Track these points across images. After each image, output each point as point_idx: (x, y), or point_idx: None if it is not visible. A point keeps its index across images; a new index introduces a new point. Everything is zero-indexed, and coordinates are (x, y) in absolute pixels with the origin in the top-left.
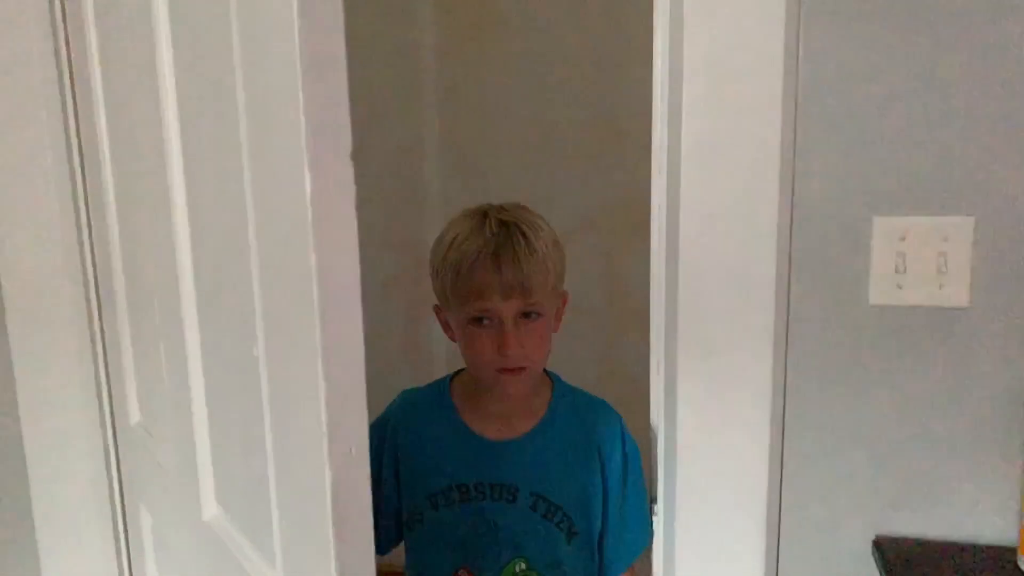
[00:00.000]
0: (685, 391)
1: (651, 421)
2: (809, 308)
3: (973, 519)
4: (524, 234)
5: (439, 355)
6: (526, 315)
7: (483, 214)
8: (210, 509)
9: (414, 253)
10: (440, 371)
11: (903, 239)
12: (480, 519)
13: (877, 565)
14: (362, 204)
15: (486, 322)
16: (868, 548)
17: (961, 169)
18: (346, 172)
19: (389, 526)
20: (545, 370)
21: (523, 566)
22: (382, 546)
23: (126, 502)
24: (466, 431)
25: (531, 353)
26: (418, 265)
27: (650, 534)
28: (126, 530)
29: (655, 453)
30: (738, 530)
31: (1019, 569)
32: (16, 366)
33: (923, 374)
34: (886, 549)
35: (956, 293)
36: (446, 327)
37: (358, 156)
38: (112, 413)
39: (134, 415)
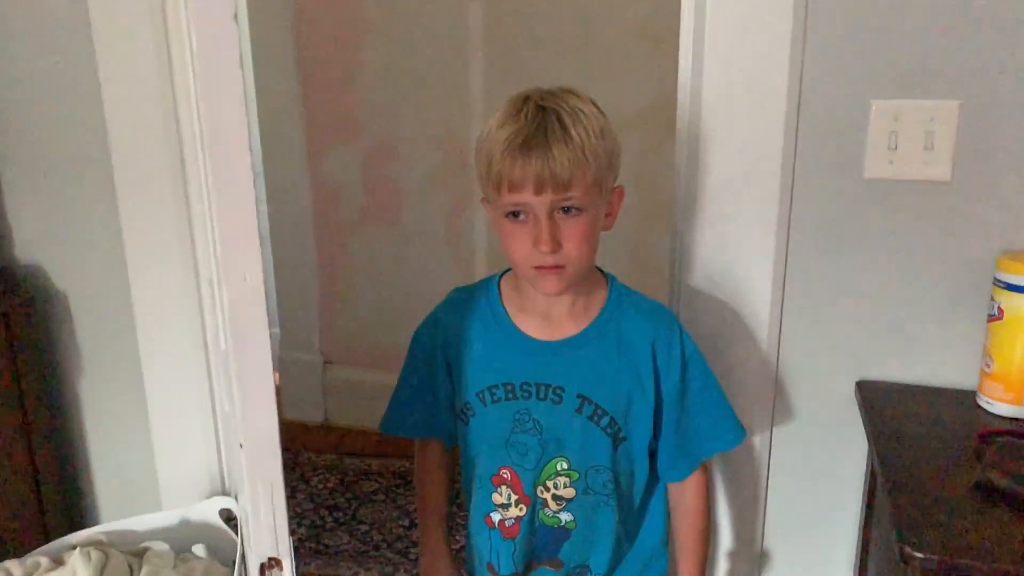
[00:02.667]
0: (699, 254)
1: (669, 284)
2: (811, 180)
3: (944, 368)
4: (561, 121)
5: (480, 247)
6: (565, 210)
7: (524, 99)
8: None
9: (456, 148)
10: (481, 263)
11: (896, 119)
12: (525, 417)
13: (858, 404)
14: (403, 100)
15: (521, 216)
16: (852, 391)
17: (950, 56)
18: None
19: (450, 421)
20: (602, 271)
21: (564, 465)
22: (448, 439)
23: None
24: (513, 330)
25: (570, 251)
26: (460, 159)
27: (732, 436)
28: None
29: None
30: (743, 375)
31: (977, 405)
32: (123, 221)
33: (908, 241)
34: (867, 391)
35: (939, 169)
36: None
37: (400, 53)
38: (196, 266)
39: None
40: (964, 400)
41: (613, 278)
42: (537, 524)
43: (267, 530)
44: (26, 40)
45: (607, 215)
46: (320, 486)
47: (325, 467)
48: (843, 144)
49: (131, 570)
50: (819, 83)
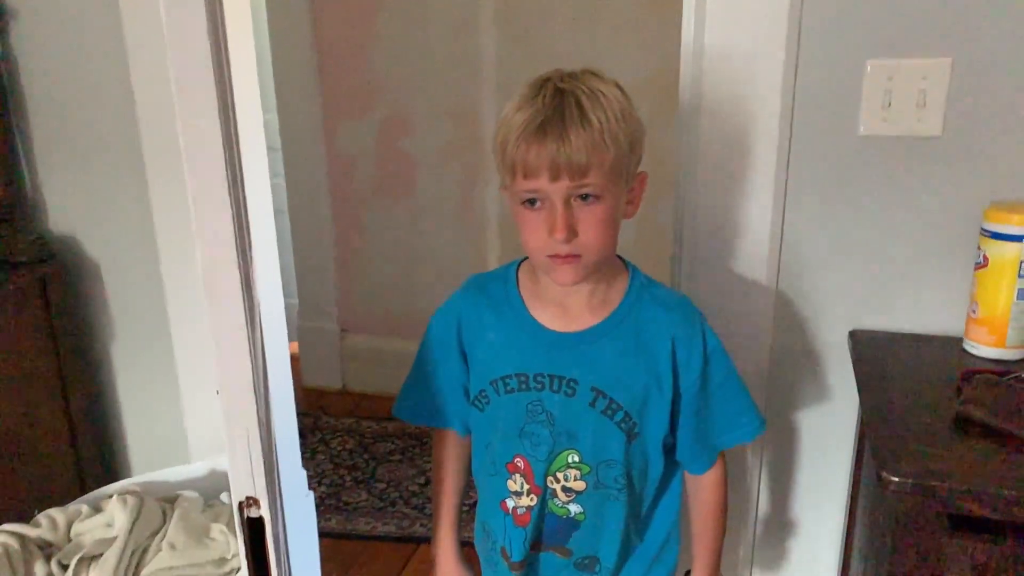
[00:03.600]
0: (701, 211)
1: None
2: (808, 138)
3: (934, 317)
4: (580, 104)
5: (492, 219)
6: (583, 197)
7: (544, 82)
8: None
9: (469, 121)
10: (493, 235)
11: (890, 79)
12: (538, 409)
13: (850, 351)
14: (419, 74)
15: (537, 204)
16: (845, 339)
17: (942, 17)
18: None
19: (464, 409)
20: (623, 260)
21: (575, 458)
22: (462, 428)
23: None
24: (529, 320)
25: (587, 240)
26: (472, 133)
27: (752, 427)
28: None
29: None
30: (741, 326)
31: (964, 350)
32: (152, 192)
33: (900, 195)
34: (858, 339)
35: (931, 124)
36: None
37: (414, 27)
38: None
39: None
40: (952, 346)
41: (635, 268)
42: (546, 513)
43: (244, 472)
44: (55, 17)
45: (629, 202)
46: (339, 448)
47: (344, 430)
48: (839, 103)
49: (164, 514)
50: (816, 44)
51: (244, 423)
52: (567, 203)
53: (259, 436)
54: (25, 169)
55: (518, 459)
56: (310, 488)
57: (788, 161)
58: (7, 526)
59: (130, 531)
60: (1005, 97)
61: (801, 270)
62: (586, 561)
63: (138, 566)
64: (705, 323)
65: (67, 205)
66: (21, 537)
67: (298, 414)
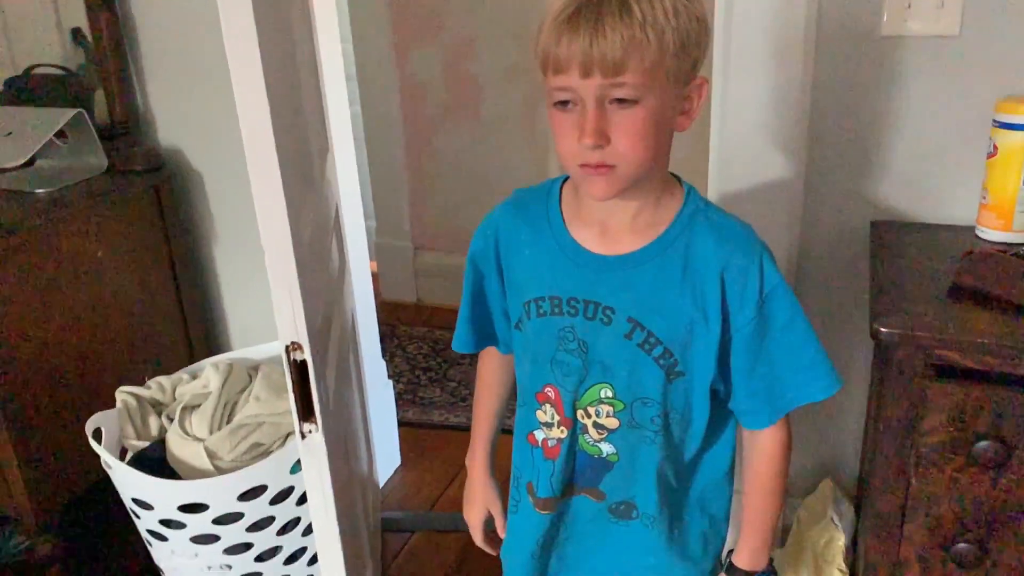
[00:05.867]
0: (736, 115)
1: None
2: (833, 43)
3: (950, 207)
4: None
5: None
6: (621, 101)
7: None
8: None
9: (532, 43)
10: (556, 158)
11: None
12: (569, 336)
13: (871, 238)
14: None
15: (569, 105)
16: (868, 227)
17: None
18: None
19: (507, 330)
20: (679, 179)
21: (608, 393)
22: (506, 347)
23: None
24: (567, 240)
25: (622, 149)
26: (535, 54)
27: (824, 383)
28: None
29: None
30: (771, 223)
31: (976, 236)
32: None
33: (919, 93)
34: (879, 227)
35: (949, 24)
36: None
37: None
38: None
39: None
40: (966, 233)
41: (692, 189)
42: (577, 450)
43: (289, 322)
44: None
45: (683, 112)
46: (415, 352)
47: (419, 338)
48: (862, 4)
49: (250, 377)
50: None
51: (287, 282)
52: (600, 105)
53: (300, 293)
54: (138, 89)
55: (548, 388)
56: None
57: (815, 67)
58: (125, 388)
59: (222, 388)
60: None
61: (828, 166)
62: (621, 507)
63: (230, 415)
64: (767, 257)
65: (174, 121)
66: (137, 397)
67: (378, 323)
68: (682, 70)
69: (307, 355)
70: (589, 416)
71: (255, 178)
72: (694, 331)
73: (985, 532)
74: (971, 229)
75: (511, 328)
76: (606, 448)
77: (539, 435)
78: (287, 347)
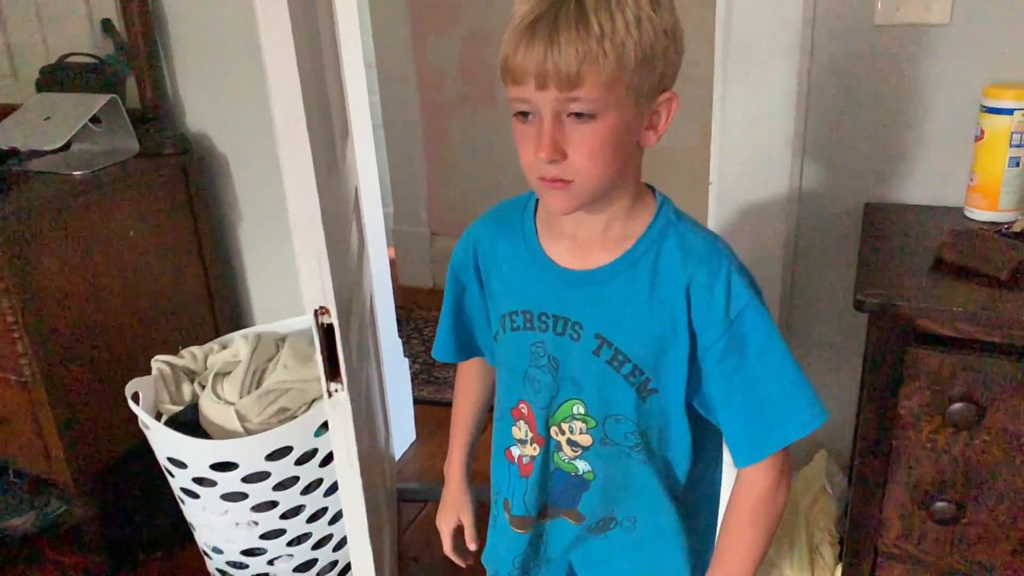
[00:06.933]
0: (729, 92)
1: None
2: (828, 30)
3: (940, 190)
4: (582, 2)
5: None
6: (578, 115)
7: None
8: None
9: None
10: None
11: None
12: (540, 351)
13: (864, 218)
14: None
15: (530, 117)
16: (860, 209)
17: None
18: None
19: (489, 340)
20: (654, 190)
21: (581, 410)
22: (490, 356)
23: None
24: (539, 254)
25: (578, 164)
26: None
27: (805, 417)
28: None
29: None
30: (768, 204)
31: (965, 216)
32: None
33: (911, 79)
34: (872, 209)
35: (940, 13)
36: None
37: None
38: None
39: None
40: (955, 214)
41: (666, 202)
42: (553, 468)
43: (316, 288)
44: None
45: (648, 128)
46: (430, 335)
47: (434, 320)
48: None
49: (277, 347)
50: None
51: (315, 249)
52: (558, 119)
53: (327, 261)
54: (167, 76)
55: (522, 405)
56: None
57: (811, 52)
58: (161, 357)
59: (251, 356)
60: None
61: (822, 150)
62: (600, 523)
63: (259, 382)
64: (737, 274)
65: (201, 107)
66: (171, 365)
67: (395, 307)
68: (646, 85)
69: (334, 319)
70: (563, 433)
71: (284, 145)
72: (665, 348)
73: (962, 491)
74: (960, 210)
75: (492, 339)
76: (582, 466)
77: (515, 451)
78: (315, 311)
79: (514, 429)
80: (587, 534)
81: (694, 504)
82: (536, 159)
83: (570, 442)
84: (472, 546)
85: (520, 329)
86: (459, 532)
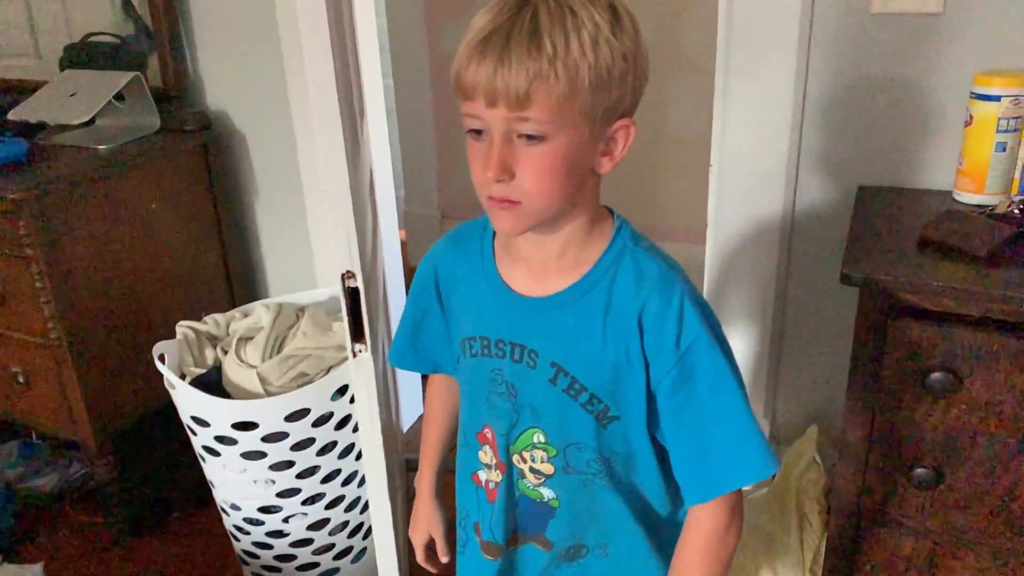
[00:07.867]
0: (730, 79)
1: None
2: (826, 19)
3: (932, 174)
4: (536, 20)
5: None
6: (529, 136)
7: None
8: None
9: None
10: None
11: None
12: (498, 379)
13: (856, 200)
14: None
15: (483, 135)
16: (854, 191)
17: None
18: None
19: (450, 360)
20: (613, 214)
21: (541, 438)
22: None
23: None
24: (496, 279)
25: (527, 185)
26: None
27: (754, 467)
28: None
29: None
30: (766, 184)
31: (954, 199)
32: (287, 76)
33: (905, 66)
34: (865, 192)
35: (933, 2)
36: None
37: None
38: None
39: None
40: (945, 197)
41: (624, 225)
42: (518, 495)
43: (345, 253)
44: None
45: (603, 154)
46: None
47: None
48: None
49: (297, 316)
50: None
51: (344, 215)
52: (508, 138)
53: (355, 228)
54: (188, 55)
55: (487, 429)
56: None
57: (809, 42)
58: (185, 322)
59: (273, 323)
60: None
61: (819, 133)
62: (571, 550)
63: (280, 347)
64: (690, 304)
65: (221, 86)
66: (195, 330)
67: (405, 288)
68: (600, 109)
69: (359, 282)
70: (525, 461)
71: (318, 113)
72: (621, 377)
73: (941, 457)
74: (949, 193)
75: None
76: (547, 493)
77: (482, 476)
78: (343, 275)
79: (480, 453)
80: (559, 561)
81: (676, 529)
82: (484, 178)
83: (532, 470)
84: (444, 559)
85: (479, 355)
86: (431, 544)
